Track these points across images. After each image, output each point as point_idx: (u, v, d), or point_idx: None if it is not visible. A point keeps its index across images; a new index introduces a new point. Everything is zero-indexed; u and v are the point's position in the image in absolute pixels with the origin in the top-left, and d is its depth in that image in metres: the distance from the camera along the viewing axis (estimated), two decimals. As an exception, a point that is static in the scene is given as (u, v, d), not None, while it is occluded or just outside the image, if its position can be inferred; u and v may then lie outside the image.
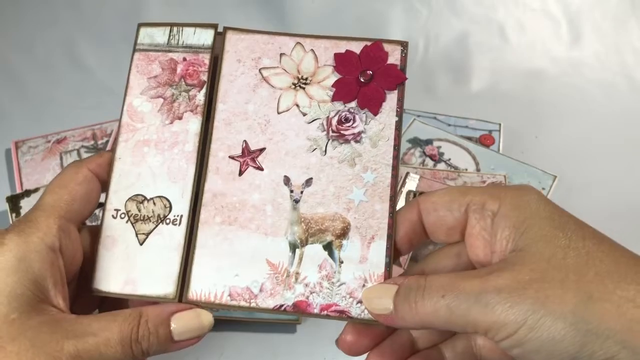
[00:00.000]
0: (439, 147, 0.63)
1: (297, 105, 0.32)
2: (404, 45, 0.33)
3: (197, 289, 0.30)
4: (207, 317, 0.30)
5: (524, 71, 0.76)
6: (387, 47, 0.33)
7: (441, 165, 0.62)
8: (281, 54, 0.33)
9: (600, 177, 0.66)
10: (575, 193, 0.63)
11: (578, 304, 0.23)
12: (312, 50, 0.33)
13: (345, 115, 0.32)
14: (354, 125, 0.32)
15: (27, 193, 0.53)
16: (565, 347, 0.22)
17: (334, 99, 0.32)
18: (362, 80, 0.32)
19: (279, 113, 0.32)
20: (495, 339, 0.24)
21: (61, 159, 0.58)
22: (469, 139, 0.65)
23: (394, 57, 0.33)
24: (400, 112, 0.32)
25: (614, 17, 0.78)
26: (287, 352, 0.51)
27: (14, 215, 0.52)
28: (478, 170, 0.62)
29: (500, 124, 0.68)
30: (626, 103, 0.74)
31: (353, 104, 0.32)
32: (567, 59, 0.77)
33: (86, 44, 0.71)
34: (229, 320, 0.50)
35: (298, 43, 0.33)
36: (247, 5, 0.73)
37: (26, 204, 0.53)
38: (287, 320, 0.50)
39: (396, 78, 0.32)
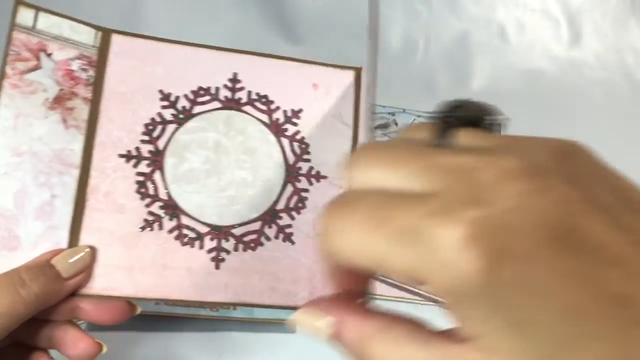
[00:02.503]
0: (439, 147, 0.63)
1: None
2: None
3: None
4: (81, 249, 0.30)
5: (524, 71, 0.76)
6: None
7: (441, 165, 0.62)
8: None
9: (600, 177, 0.66)
10: (575, 193, 0.63)
11: None
12: None
13: None
14: None
15: (27, 193, 0.53)
16: None
17: None
18: None
19: None
20: None
21: (61, 158, 0.58)
22: (469, 138, 0.65)
23: None
24: None
25: (614, 17, 0.78)
26: (286, 352, 0.51)
27: (13, 215, 0.52)
28: (478, 170, 0.62)
29: (500, 124, 0.68)
30: (626, 103, 0.74)
31: None
32: (567, 59, 0.77)
33: (86, 44, 0.71)
34: (229, 320, 0.50)
35: None
36: (247, 3, 0.73)
37: (26, 204, 0.52)
38: (287, 320, 0.50)
39: None
